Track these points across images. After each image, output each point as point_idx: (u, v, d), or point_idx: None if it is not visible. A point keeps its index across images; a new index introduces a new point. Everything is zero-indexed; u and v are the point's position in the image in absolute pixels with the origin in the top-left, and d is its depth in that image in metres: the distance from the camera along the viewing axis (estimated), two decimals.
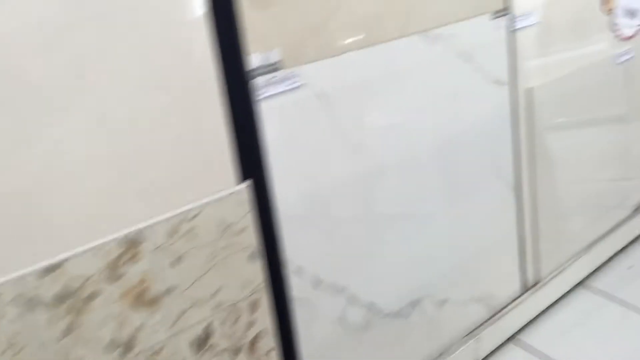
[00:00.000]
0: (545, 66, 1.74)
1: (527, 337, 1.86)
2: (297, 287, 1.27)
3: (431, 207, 1.52)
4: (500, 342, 1.81)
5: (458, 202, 1.59)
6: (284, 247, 1.24)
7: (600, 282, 2.09)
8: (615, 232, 2.15)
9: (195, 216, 1.09)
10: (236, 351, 1.19)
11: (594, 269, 2.12)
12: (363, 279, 1.39)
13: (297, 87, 1.20)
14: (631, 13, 2.04)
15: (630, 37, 2.03)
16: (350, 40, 1.27)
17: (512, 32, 1.62)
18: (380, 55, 1.33)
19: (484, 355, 1.75)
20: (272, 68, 1.16)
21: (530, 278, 1.88)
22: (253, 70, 1.13)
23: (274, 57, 1.16)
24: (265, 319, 1.22)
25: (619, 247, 2.22)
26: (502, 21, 1.58)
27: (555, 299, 1.98)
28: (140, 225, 1.03)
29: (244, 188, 1.15)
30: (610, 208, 2.14)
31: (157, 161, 1.04)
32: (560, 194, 1.91)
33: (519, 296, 1.85)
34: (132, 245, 1.02)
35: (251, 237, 1.17)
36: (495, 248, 1.74)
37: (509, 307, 1.81)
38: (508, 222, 1.76)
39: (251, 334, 1.20)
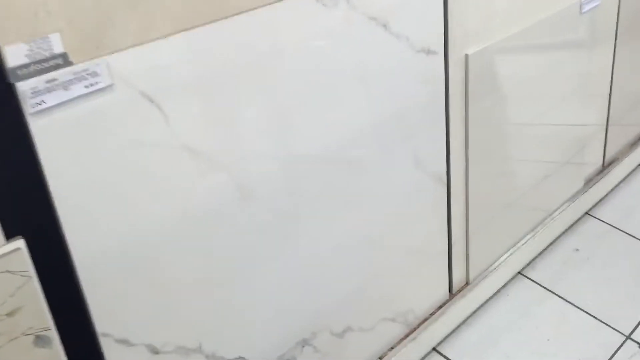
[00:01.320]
0: (490, 23, 1.33)
1: (450, 349, 1.56)
2: None
3: (325, 218, 1.15)
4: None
5: (364, 205, 1.22)
6: (95, 318, 0.86)
7: (541, 270, 1.79)
8: (562, 211, 1.84)
9: None
10: None
11: (535, 254, 1.82)
12: (222, 332, 1.04)
13: (101, 89, 0.78)
14: None
15: None
16: (194, 10, 0.84)
17: None
18: (250, 28, 0.91)
19: None
20: (53, 64, 0.73)
21: (460, 278, 1.56)
22: (16, 69, 0.70)
23: (54, 46, 0.72)
24: None
25: (566, 227, 1.92)
26: None
27: (492, 294, 1.68)
28: None
29: (13, 250, 0.75)
30: (558, 186, 1.81)
31: None
32: (498, 175, 1.56)
33: (446, 302, 1.53)
34: None
35: (34, 317, 0.79)
36: (415, 252, 1.40)
37: (434, 316, 1.50)
38: (434, 218, 1.42)
39: None
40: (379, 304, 1.34)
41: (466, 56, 1.30)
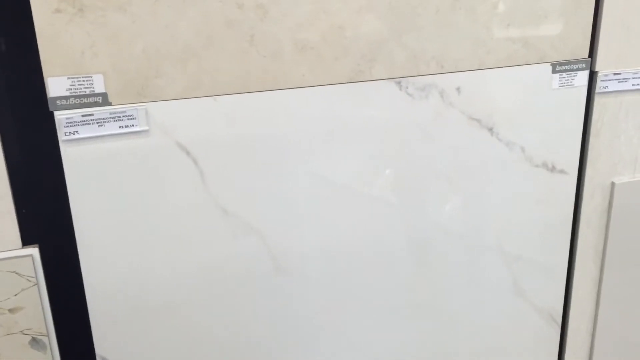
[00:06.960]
0: None
1: None
2: None
3: (380, 323, 1.06)
4: None
5: (439, 314, 1.10)
6: (96, 340, 0.90)
7: None
8: None
9: None
10: None
11: None
12: None
13: (136, 132, 0.83)
14: None
15: None
16: (250, 78, 0.85)
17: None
18: (310, 103, 0.89)
19: None
20: (92, 101, 0.80)
21: None
22: (55, 99, 0.78)
23: (96, 85, 0.79)
24: None
25: None
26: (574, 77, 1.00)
27: None
28: None
29: (25, 256, 0.83)
30: None
31: None
32: None
33: None
34: None
35: (34, 319, 0.86)
36: None
37: None
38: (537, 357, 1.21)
39: None
40: None
41: (612, 184, 1.10)
